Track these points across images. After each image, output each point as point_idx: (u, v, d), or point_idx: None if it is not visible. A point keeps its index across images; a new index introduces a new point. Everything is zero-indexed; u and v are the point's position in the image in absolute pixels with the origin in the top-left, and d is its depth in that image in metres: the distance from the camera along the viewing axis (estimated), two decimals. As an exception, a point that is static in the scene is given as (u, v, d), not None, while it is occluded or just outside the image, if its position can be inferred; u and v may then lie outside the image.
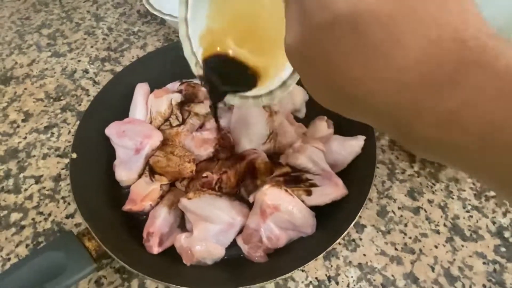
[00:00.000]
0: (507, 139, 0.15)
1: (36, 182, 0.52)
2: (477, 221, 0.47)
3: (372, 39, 0.16)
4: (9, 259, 0.45)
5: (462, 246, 0.45)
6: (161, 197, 0.45)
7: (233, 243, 0.42)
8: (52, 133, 0.57)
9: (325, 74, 0.19)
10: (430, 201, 0.48)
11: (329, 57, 0.18)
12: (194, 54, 0.36)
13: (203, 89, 0.54)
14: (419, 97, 0.17)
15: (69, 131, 0.57)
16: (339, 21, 0.17)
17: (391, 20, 0.16)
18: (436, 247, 0.45)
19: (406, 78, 0.16)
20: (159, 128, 0.51)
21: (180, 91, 0.55)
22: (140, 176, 0.47)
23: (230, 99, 0.36)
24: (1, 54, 0.70)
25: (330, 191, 0.42)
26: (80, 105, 0.61)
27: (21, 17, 0.77)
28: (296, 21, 0.19)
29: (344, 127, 0.50)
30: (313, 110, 0.55)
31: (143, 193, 0.44)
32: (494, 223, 0.46)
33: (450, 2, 0.16)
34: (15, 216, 0.48)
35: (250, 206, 0.43)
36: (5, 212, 0.49)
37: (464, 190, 0.49)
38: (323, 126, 0.50)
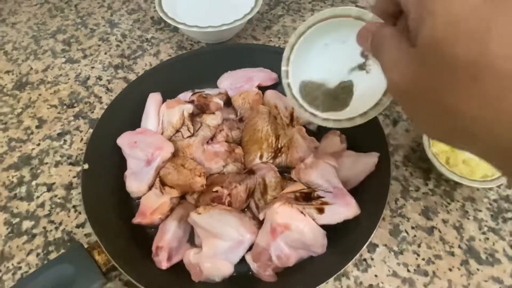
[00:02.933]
0: None
1: (48, 190, 0.52)
2: (493, 244, 0.45)
3: (490, 88, 0.18)
4: (20, 268, 0.45)
5: (478, 269, 0.43)
6: (171, 210, 0.45)
7: (242, 259, 0.42)
8: (65, 141, 0.58)
9: (436, 111, 0.21)
10: (444, 221, 0.47)
11: (441, 98, 0.20)
12: (295, 98, 0.38)
13: (215, 100, 0.53)
14: None
15: (82, 139, 0.58)
16: (458, 69, 0.18)
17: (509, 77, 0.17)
18: (450, 270, 0.43)
19: None
20: (170, 138, 0.51)
21: (192, 101, 0.55)
22: (150, 188, 0.47)
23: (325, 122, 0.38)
24: (17, 59, 0.71)
25: (342, 210, 0.42)
26: (92, 112, 0.61)
27: (38, 22, 0.78)
28: (403, 63, 0.21)
29: (357, 143, 0.49)
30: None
31: (153, 206, 0.44)
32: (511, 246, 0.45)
33: None
34: (26, 224, 0.49)
35: (260, 222, 0.43)
36: (17, 219, 0.49)
37: (481, 211, 0.48)
38: (335, 141, 0.49)
